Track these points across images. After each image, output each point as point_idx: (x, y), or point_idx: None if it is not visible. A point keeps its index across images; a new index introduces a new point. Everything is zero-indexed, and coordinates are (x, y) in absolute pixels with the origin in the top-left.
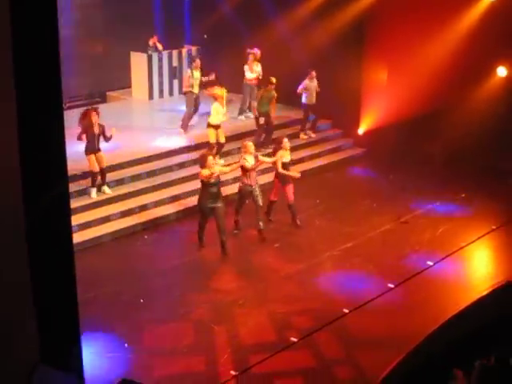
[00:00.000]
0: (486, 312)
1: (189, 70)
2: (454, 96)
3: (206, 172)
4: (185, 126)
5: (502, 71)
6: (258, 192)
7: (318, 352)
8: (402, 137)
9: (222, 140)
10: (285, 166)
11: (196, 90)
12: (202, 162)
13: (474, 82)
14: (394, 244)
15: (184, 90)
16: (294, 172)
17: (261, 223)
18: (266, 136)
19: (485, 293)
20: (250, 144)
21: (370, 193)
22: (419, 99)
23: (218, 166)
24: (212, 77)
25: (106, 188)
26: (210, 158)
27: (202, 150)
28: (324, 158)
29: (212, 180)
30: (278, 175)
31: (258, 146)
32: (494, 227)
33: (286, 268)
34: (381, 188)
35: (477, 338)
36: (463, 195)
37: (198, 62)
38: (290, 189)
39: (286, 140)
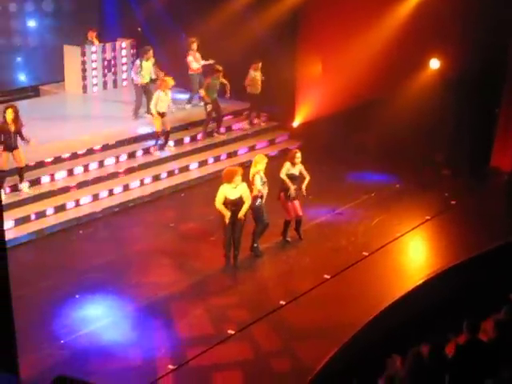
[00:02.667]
0: (421, 301)
1: (138, 61)
2: (388, 88)
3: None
4: (135, 114)
5: (434, 63)
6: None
7: (255, 344)
8: (337, 129)
9: (168, 128)
10: (291, 178)
11: (146, 79)
12: (227, 177)
13: (408, 74)
14: (329, 235)
15: (135, 81)
16: (292, 188)
17: (257, 243)
18: (216, 124)
19: (420, 282)
20: (264, 159)
21: (306, 185)
22: (354, 91)
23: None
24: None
25: (24, 186)
26: (239, 175)
27: (141, 142)
28: (259, 151)
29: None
30: (282, 190)
31: (208, 135)
32: (428, 217)
33: (222, 261)
34: (316, 180)
35: (412, 327)
36: (397, 186)
37: (150, 53)
38: (297, 203)
39: (298, 155)
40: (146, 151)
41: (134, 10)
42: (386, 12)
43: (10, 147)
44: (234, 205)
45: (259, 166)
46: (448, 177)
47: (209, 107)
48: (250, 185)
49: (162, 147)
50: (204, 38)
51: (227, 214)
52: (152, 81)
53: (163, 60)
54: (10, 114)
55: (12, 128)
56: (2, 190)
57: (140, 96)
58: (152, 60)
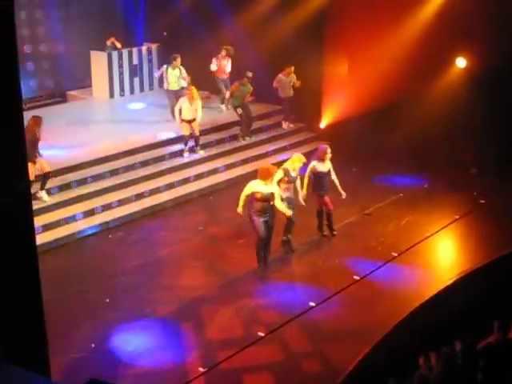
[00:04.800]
0: (452, 300)
1: (165, 66)
2: (414, 88)
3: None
4: (174, 116)
5: (461, 62)
6: (294, 205)
7: (285, 346)
8: (364, 129)
9: (197, 132)
10: (319, 177)
11: (174, 86)
12: (265, 175)
13: (434, 73)
14: (358, 236)
15: (164, 86)
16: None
17: (289, 236)
18: (245, 128)
19: (450, 282)
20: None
21: (334, 186)
22: (380, 92)
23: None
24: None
25: (43, 194)
26: (277, 173)
27: (168, 146)
28: (287, 152)
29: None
30: (317, 187)
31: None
32: (457, 217)
33: (251, 263)
34: (344, 181)
35: (444, 326)
36: (426, 186)
37: (178, 60)
38: (327, 198)
39: (329, 150)
40: (174, 155)
41: (160, 14)
42: (411, 11)
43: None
44: (265, 200)
45: (296, 164)
46: (476, 176)
47: (239, 110)
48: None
49: (192, 150)
50: (230, 40)
51: (240, 206)
52: (183, 88)
53: (189, 63)
54: (34, 123)
55: (39, 137)
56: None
57: (172, 100)
58: (180, 69)
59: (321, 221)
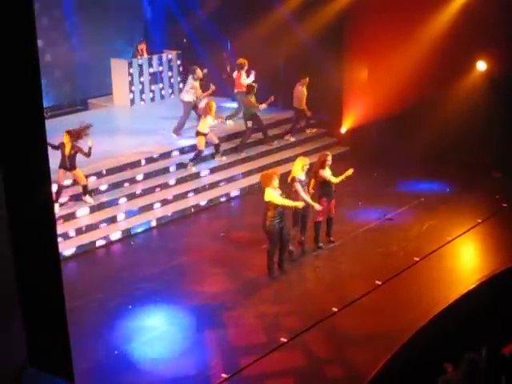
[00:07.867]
0: (474, 305)
1: (193, 81)
2: (435, 92)
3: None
4: (177, 130)
5: (481, 65)
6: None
7: (308, 352)
8: (385, 134)
9: (217, 141)
10: (324, 184)
11: (191, 98)
12: (266, 181)
13: (455, 77)
14: (380, 241)
15: (188, 98)
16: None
17: (303, 238)
18: (263, 134)
19: (473, 286)
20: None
21: (355, 191)
22: (400, 96)
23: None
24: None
25: (87, 198)
26: (276, 178)
27: (190, 153)
28: (308, 158)
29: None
30: (325, 193)
31: (246, 146)
32: (479, 221)
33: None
34: (365, 186)
35: (466, 331)
36: (447, 190)
37: (198, 72)
38: (333, 203)
39: (329, 157)
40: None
41: (180, 21)
42: (431, 15)
43: (65, 167)
44: (282, 206)
45: (303, 166)
46: (498, 179)
47: (249, 123)
48: (290, 187)
49: (212, 157)
50: (249, 47)
51: (297, 202)
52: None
53: (209, 70)
54: (64, 137)
55: (65, 151)
56: (57, 204)
57: (188, 113)
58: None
59: (318, 231)
